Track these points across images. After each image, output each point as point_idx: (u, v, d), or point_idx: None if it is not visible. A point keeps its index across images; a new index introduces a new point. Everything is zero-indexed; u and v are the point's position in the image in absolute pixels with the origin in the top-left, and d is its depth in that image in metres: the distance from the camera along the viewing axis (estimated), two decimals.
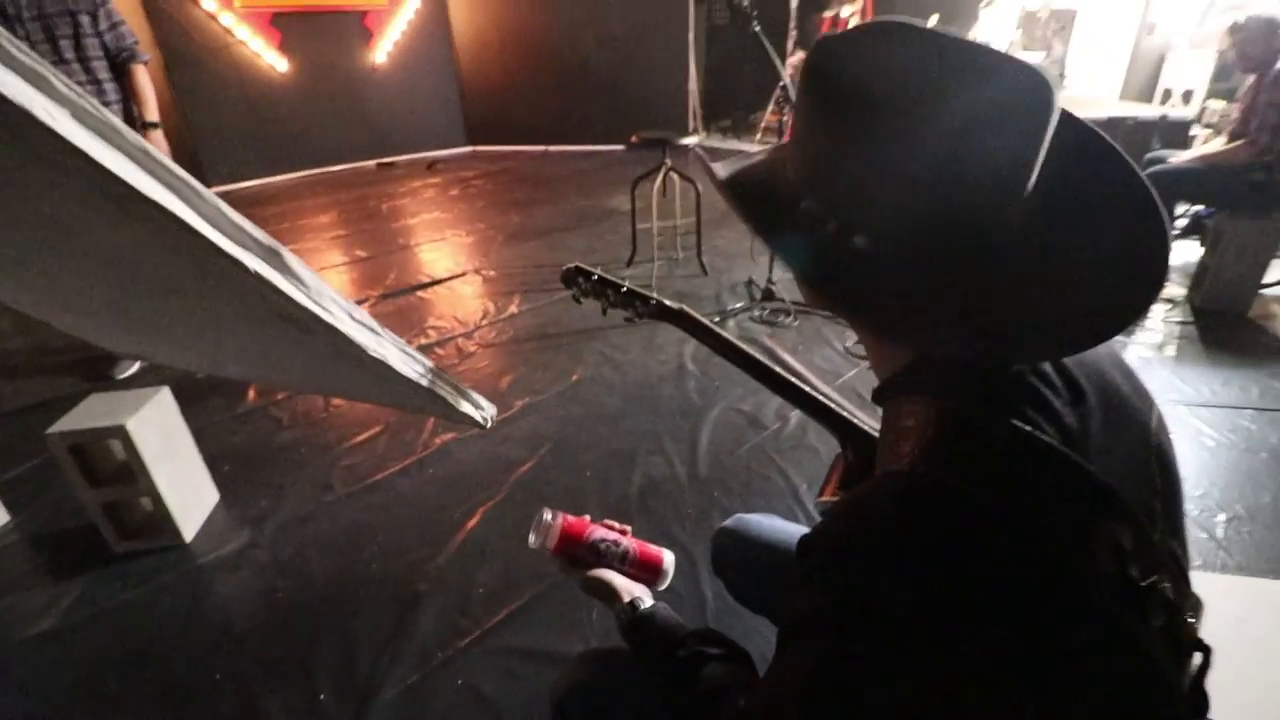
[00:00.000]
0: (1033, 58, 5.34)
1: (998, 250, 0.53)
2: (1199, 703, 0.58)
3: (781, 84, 2.74)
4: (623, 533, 0.92)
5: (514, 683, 1.43)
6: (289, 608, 1.64)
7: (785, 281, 3.32)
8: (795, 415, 2.30)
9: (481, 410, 0.93)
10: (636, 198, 3.49)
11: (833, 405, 1.02)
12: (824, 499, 1.03)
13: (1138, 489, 0.56)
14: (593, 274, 1.10)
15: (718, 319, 3.00)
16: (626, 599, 0.82)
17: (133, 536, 1.79)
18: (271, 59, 5.84)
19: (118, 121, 0.45)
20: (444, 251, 4.23)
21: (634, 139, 3.35)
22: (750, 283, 3.40)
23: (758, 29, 2.66)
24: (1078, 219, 0.56)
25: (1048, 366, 0.56)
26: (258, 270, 0.54)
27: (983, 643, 0.49)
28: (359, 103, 6.41)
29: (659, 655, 0.76)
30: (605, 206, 5.03)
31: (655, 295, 1.08)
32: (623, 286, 1.09)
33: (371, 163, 6.65)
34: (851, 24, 6.11)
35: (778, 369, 1.05)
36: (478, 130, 7.25)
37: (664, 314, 1.08)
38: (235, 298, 0.62)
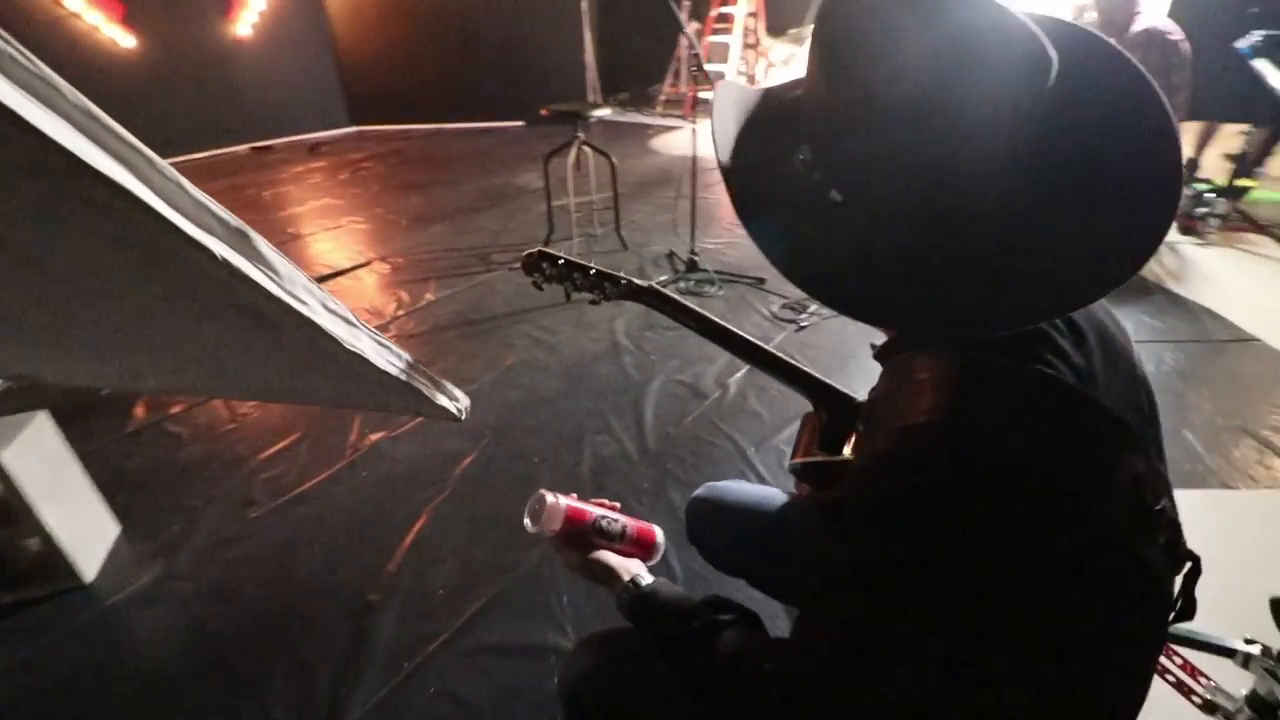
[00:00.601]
0: None
1: (986, 212, 0.52)
2: (1189, 608, 0.64)
3: (693, 52, 2.71)
4: (613, 509, 0.89)
5: (491, 682, 1.38)
6: (225, 639, 1.49)
7: (707, 252, 3.35)
8: (734, 382, 2.34)
9: (456, 401, 0.86)
10: (549, 173, 3.39)
11: (804, 369, 1.04)
12: (800, 459, 1.05)
13: (1136, 418, 0.60)
14: (559, 258, 1.05)
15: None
16: (626, 578, 0.81)
17: (23, 584, 1.56)
18: (113, 34, 5.15)
19: (52, 74, 0.35)
20: (342, 240, 3.94)
21: (544, 112, 3.23)
22: (671, 255, 3.40)
23: None
24: (1075, 163, 0.54)
25: None
26: (225, 257, 0.46)
27: (1018, 581, 0.51)
28: (224, 82, 5.79)
29: (669, 629, 0.75)
30: (513, 185, 4.87)
31: (624, 275, 1.05)
32: (591, 269, 1.05)
33: (244, 147, 6.05)
34: None
35: (750, 339, 1.05)
36: (361, 109, 6.76)
37: (634, 293, 1.05)
38: (187, 292, 0.52)
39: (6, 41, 0.34)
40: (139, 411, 2.29)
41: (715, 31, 6.39)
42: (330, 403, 0.90)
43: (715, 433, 2.10)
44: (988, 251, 0.53)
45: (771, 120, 0.64)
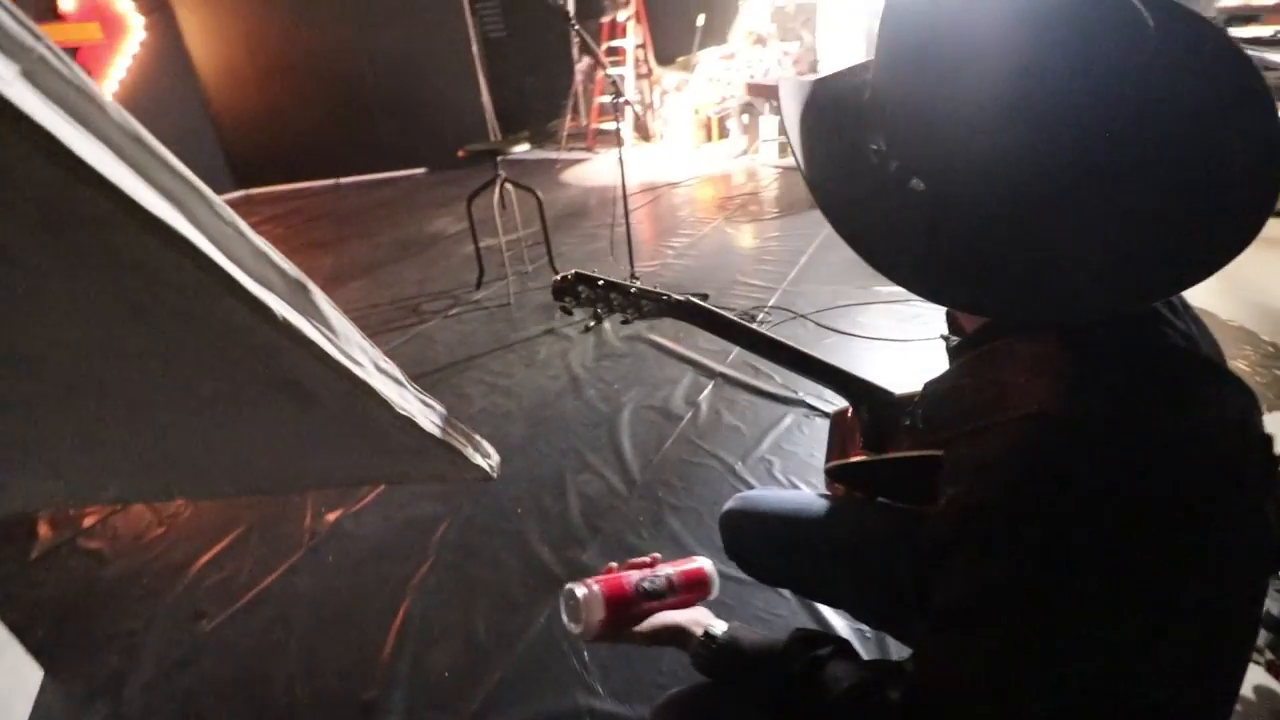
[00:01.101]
0: (788, 47, 5.94)
1: (1063, 196, 0.50)
2: None
3: (611, 79, 2.72)
4: (652, 563, 0.82)
5: None
6: None
7: (645, 274, 3.34)
8: (703, 400, 2.31)
9: (490, 459, 0.77)
10: (472, 215, 3.29)
11: (844, 369, 1.01)
12: (840, 461, 1.02)
13: (1222, 356, 0.60)
14: (598, 280, 0.98)
15: (591, 324, 2.92)
16: (698, 633, 0.74)
17: None
18: None
19: (90, 83, 0.26)
20: None
21: (461, 154, 3.14)
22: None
23: (575, 26, 2.62)
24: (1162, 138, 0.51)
25: None
26: (285, 317, 0.37)
27: (1165, 566, 0.48)
28: None
29: (764, 679, 0.68)
30: (426, 232, 4.70)
31: (664, 291, 1.00)
32: (631, 288, 0.99)
33: None
34: (628, 27, 6.36)
35: (790, 344, 1.02)
36: (246, 172, 6.38)
37: (673, 309, 1.00)
38: (218, 367, 0.42)
39: (38, 38, 0.25)
40: (44, 530, 1.97)
41: (609, 64, 6.50)
42: (337, 483, 0.78)
43: (697, 452, 2.05)
44: (1083, 233, 0.51)
45: (838, 113, 0.62)
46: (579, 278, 1.00)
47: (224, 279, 0.32)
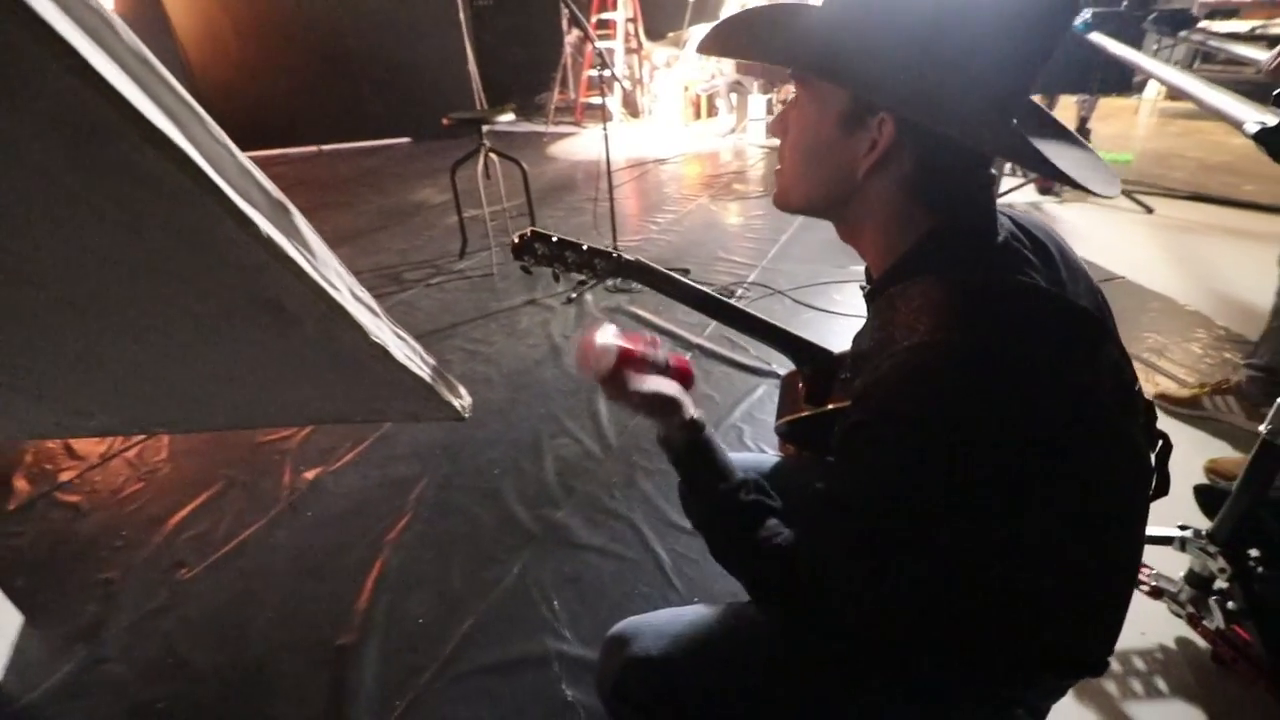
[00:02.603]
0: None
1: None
2: (1164, 484, 0.72)
3: (597, 49, 2.72)
4: (653, 342, 0.85)
5: (495, 702, 1.31)
6: (181, 718, 1.32)
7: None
8: None
9: (462, 399, 0.82)
10: (456, 185, 3.29)
11: (783, 327, 1.08)
12: (787, 418, 1.07)
13: (1101, 314, 0.68)
14: (551, 237, 1.03)
15: (573, 295, 2.95)
16: (689, 414, 0.78)
17: None
18: None
19: (105, 6, 0.29)
20: None
21: (445, 122, 3.12)
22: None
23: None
24: None
25: (1018, 232, 0.66)
26: (269, 234, 0.40)
27: (1032, 478, 0.54)
28: None
29: (717, 489, 0.74)
30: (409, 201, 4.67)
31: (614, 249, 1.04)
32: (583, 245, 1.03)
33: None
34: (619, 2, 6.29)
35: (729, 301, 1.08)
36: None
37: (623, 267, 1.04)
38: (209, 284, 0.45)
39: None
40: (20, 484, 1.99)
41: (598, 38, 6.44)
42: (314, 417, 0.80)
43: None
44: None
45: None
46: (535, 235, 1.04)
47: (216, 193, 0.35)
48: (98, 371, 0.60)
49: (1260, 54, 1.89)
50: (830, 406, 1.00)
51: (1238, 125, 1.03)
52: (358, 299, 0.53)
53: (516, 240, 1.03)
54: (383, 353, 0.58)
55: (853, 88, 0.60)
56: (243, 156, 0.40)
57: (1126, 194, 3.69)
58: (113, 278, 0.45)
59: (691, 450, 0.77)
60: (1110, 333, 0.64)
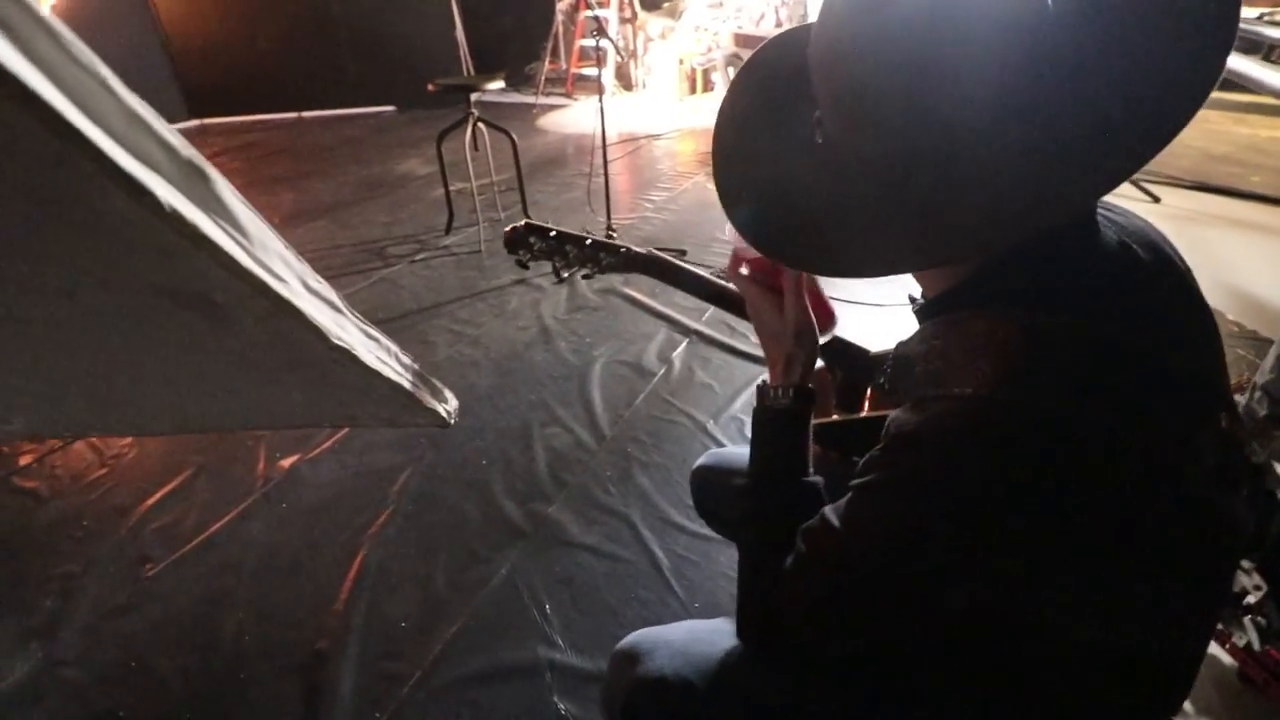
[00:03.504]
0: (777, 1, 5.72)
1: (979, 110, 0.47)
2: (1261, 540, 0.63)
3: (594, 18, 2.57)
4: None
5: (482, 714, 1.22)
6: None
7: (623, 228, 3.24)
8: (677, 357, 2.26)
9: (446, 404, 0.71)
10: (443, 156, 3.13)
11: None
12: (821, 421, 0.98)
13: (1210, 364, 0.56)
14: (550, 230, 0.91)
15: (565, 275, 2.82)
16: (801, 373, 0.71)
17: None
18: None
19: None
20: None
21: (431, 87, 2.96)
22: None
23: None
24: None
25: (1123, 255, 0.53)
26: (174, 206, 0.29)
27: (1066, 542, 0.48)
28: None
29: (786, 462, 0.68)
30: (394, 173, 4.49)
31: (623, 243, 0.93)
32: (587, 239, 0.92)
33: None
34: None
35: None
36: (202, 100, 5.96)
37: (633, 262, 0.93)
38: (97, 268, 0.34)
39: None
40: None
41: (590, 6, 6.21)
42: (274, 424, 0.70)
43: (670, 410, 2.01)
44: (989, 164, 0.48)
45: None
46: (530, 228, 0.93)
47: (85, 146, 0.25)
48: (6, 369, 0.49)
49: None
50: (864, 415, 0.92)
51: None
52: (312, 292, 0.43)
53: (509, 231, 0.92)
54: (348, 357, 0.48)
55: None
56: (133, 99, 0.29)
57: (1133, 182, 3.61)
58: None
59: (785, 416, 0.69)
60: (1219, 402, 0.53)
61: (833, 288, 0.79)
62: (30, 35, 0.23)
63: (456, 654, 1.33)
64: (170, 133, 0.31)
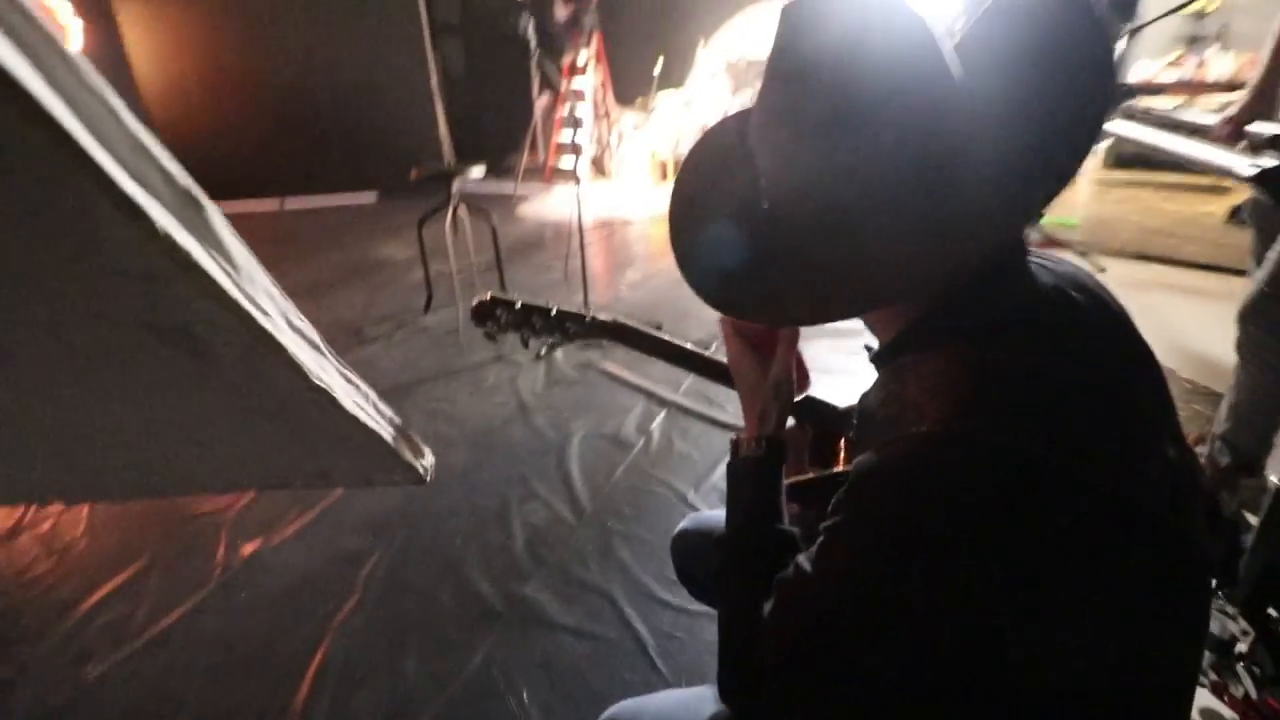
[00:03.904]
0: (741, 99, 6.15)
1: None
2: (1230, 574, 0.63)
3: (570, 106, 2.71)
4: None
5: None
6: None
7: (600, 307, 3.30)
8: (656, 428, 2.25)
9: (423, 458, 0.69)
10: (423, 239, 3.20)
11: None
12: (796, 479, 0.98)
13: (1156, 397, 0.57)
14: (514, 302, 0.93)
15: (543, 352, 2.85)
16: (774, 427, 0.72)
17: None
18: None
19: None
20: None
21: (414, 174, 3.06)
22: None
23: (536, 57, 2.63)
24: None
25: (1057, 296, 0.56)
26: (168, 231, 0.29)
27: (1032, 579, 0.48)
28: None
29: (759, 510, 0.68)
30: (372, 258, 4.55)
31: (589, 312, 0.95)
32: (551, 310, 0.94)
33: None
34: (588, 69, 6.49)
35: (718, 357, 0.99)
36: None
37: (601, 330, 0.95)
38: (97, 299, 0.33)
39: None
40: None
41: (567, 102, 6.59)
42: (242, 482, 0.66)
43: (650, 481, 1.98)
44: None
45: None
46: (495, 301, 0.95)
47: (91, 169, 0.25)
48: None
49: (1208, 117, 1.96)
50: (838, 470, 0.92)
51: (1233, 173, 1.02)
52: (295, 329, 0.42)
53: (475, 305, 0.93)
54: (327, 399, 0.47)
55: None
56: (138, 126, 0.30)
57: (1080, 254, 3.82)
58: None
59: (759, 464, 0.70)
60: (1164, 428, 0.56)
61: (809, 355, 0.82)
62: (45, 55, 0.24)
63: None
64: (169, 160, 0.31)
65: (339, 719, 1.30)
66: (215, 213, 0.35)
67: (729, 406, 2.33)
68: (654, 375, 2.59)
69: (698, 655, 1.39)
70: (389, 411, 0.60)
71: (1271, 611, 1.15)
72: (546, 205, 6.09)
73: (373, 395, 0.56)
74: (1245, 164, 0.99)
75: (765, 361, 0.75)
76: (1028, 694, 0.50)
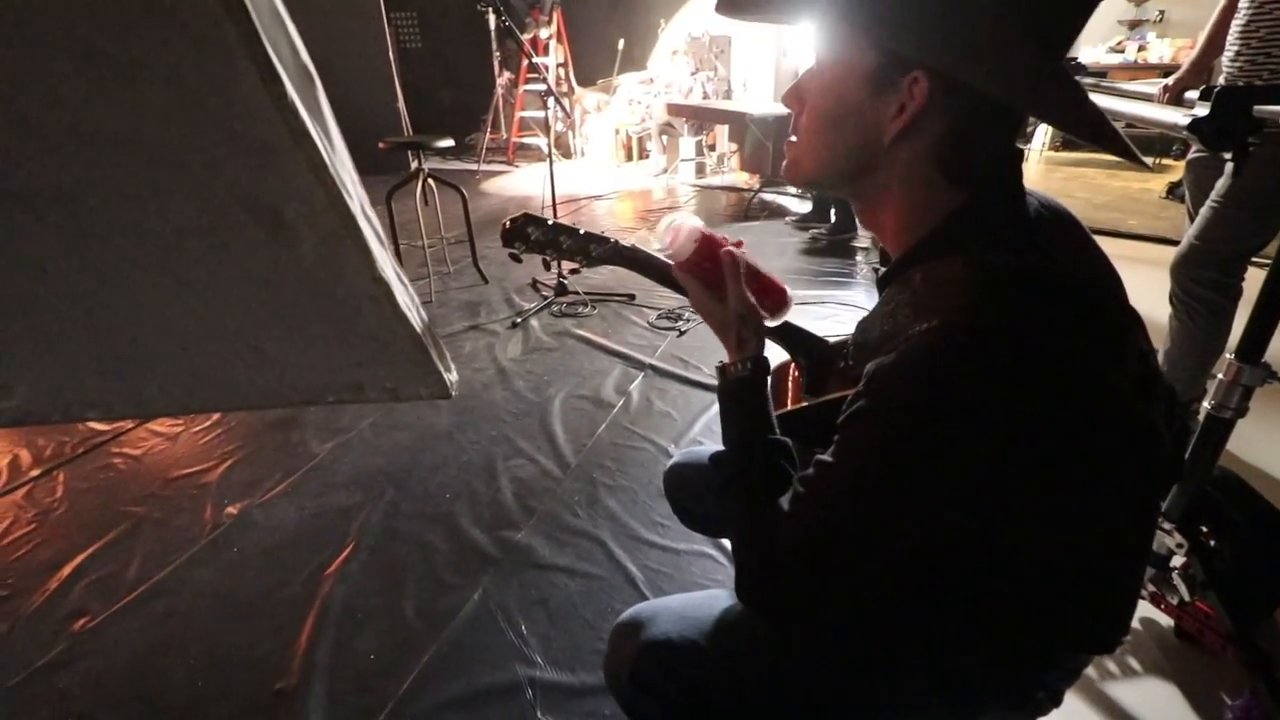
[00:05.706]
0: (702, 76, 6.18)
1: None
2: (1178, 469, 0.73)
3: (545, 90, 2.74)
4: (739, 245, 0.80)
5: None
6: None
7: (572, 279, 3.34)
8: (634, 389, 2.33)
9: (450, 373, 0.75)
10: (393, 210, 3.18)
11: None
12: (789, 409, 1.05)
13: (1121, 285, 0.67)
14: (546, 220, 0.98)
15: (517, 320, 2.88)
16: (755, 349, 0.75)
17: None
18: None
19: None
20: None
21: (382, 145, 3.04)
22: (535, 283, 3.34)
23: (507, 23, 2.64)
24: None
25: (1045, 213, 0.63)
26: (293, 99, 0.34)
27: (1034, 456, 0.54)
28: None
29: (753, 424, 0.72)
30: None
31: (610, 235, 1.00)
32: (580, 229, 0.99)
33: None
34: (549, 46, 6.43)
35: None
36: None
37: (618, 255, 1.01)
38: (207, 174, 0.38)
39: None
40: None
41: (529, 81, 6.53)
42: (273, 398, 0.67)
43: (631, 437, 2.06)
44: None
45: None
46: (529, 219, 0.99)
47: (245, 30, 0.30)
48: (26, 313, 0.49)
49: (1150, 88, 2.12)
50: (832, 396, 0.98)
51: (1170, 126, 1.14)
52: (367, 218, 0.47)
53: (507, 225, 0.97)
54: (385, 292, 0.52)
55: (885, 38, 0.57)
56: None
57: None
58: (84, 155, 0.36)
59: (744, 387, 0.73)
60: (1138, 324, 0.63)
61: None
62: None
63: (431, 681, 1.28)
64: (295, 34, 0.36)
65: (343, 658, 1.34)
66: (322, 92, 0.40)
67: (703, 367, 2.41)
68: (630, 341, 2.66)
69: (685, 588, 1.48)
70: (426, 318, 0.65)
71: (1203, 528, 1.29)
72: (512, 181, 6.06)
73: (416, 299, 0.62)
74: (1181, 116, 1.13)
75: (726, 297, 0.78)
76: (1021, 562, 0.57)
